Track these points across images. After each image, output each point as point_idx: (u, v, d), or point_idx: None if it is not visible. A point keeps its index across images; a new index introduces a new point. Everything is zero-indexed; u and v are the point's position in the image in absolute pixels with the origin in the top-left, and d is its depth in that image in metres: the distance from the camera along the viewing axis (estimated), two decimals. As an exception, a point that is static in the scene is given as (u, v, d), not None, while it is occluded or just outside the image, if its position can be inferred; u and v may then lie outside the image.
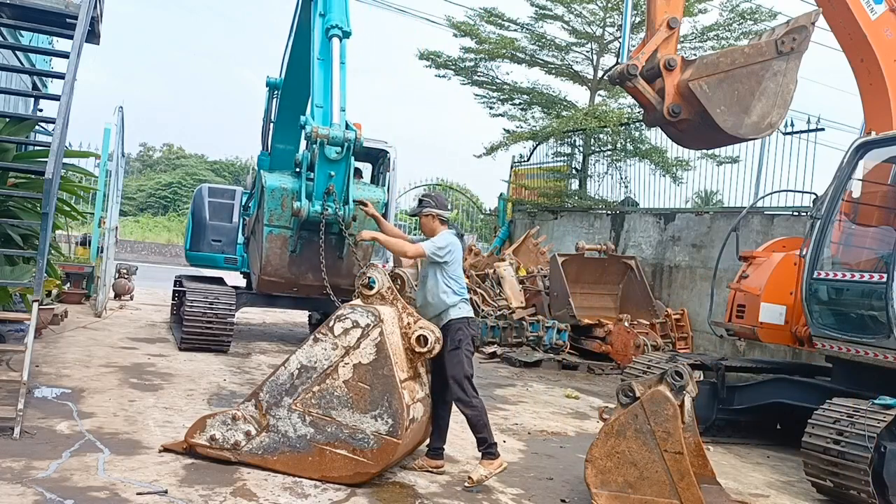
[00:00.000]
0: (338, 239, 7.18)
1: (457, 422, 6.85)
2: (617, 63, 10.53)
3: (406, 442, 4.84)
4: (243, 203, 10.69)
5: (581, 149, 17.21)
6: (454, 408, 5.32)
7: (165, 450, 4.94)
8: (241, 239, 10.48)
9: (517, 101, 19.12)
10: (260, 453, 4.78)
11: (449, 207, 5.44)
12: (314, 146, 6.54)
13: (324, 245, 6.64)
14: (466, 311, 5.30)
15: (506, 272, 13.18)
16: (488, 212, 21.34)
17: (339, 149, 6.52)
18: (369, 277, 4.97)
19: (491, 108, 19.43)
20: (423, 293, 5.32)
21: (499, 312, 12.13)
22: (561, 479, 5.48)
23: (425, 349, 4.92)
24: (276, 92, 9.29)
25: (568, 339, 11.26)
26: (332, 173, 6.61)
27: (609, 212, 15.01)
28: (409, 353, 4.94)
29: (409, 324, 4.99)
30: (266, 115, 9.50)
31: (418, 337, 4.92)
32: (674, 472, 4.52)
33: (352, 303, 4.96)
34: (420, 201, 5.48)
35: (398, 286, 5.22)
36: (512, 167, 18.83)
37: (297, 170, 7.03)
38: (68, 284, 12.27)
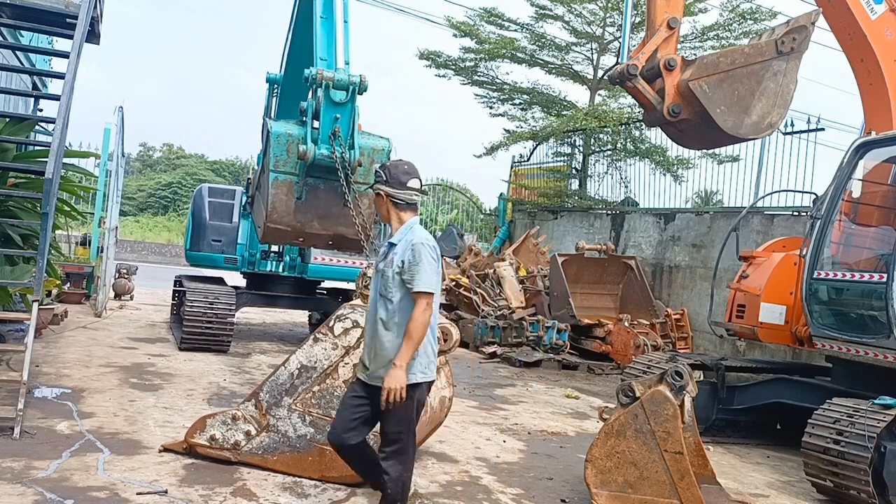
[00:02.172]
0: (343, 186, 7.08)
1: (456, 421, 6.87)
2: (617, 63, 10.53)
3: None
4: (243, 203, 10.68)
5: (581, 149, 17.22)
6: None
7: (166, 450, 4.94)
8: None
9: (517, 101, 19.14)
10: (260, 453, 4.78)
11: (417, 186, 3.82)
12: (319, 90, 6.52)
13: (324, 190, 6.59)
14: (434, 368, 3.86)
15: (506, 272, 13.18)
16: (488, 212, 21.35)
17: (344, 93, 6.52)
18: (369, 278, 4.97)
19: (491, 108, 19.45)
20: (382, 333, 3.72)
21: (499, 312, 12.13)
22: (561, 479, 5.48)
23: None
24: (275, 88, 9.27)
25: (568, 339, 11.25)
26: (338, 116, 6.59)
27: (609, 212, 15.00)
28: None
29: None
30: (266, 112, 9.47)
31: None
32: (674, 472, 4.52)
33: (352, 303, 4.97)
34: (375, 173, 3.98)
35: None
36: (512, 167, 18.83)
37: (303, 118, 6.99)
38: (68, 284, 12.28)
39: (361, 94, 6.65)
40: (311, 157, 6.55)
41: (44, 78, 11.60)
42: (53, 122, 5.71)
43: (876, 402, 5.61)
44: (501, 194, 18.82)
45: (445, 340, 5.09)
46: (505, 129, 19.30)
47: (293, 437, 4.74)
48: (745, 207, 9.98)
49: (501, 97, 19.16)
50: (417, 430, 5.11)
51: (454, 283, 13.81)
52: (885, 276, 6.11)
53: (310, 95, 6.79)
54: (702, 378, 7.67)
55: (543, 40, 18.21)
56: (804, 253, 7.00)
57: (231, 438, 4.79)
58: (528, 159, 18.48)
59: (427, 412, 5.20)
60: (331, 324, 4.79)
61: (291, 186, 7.00)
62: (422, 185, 3.88)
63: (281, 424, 4.75)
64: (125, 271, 14.01)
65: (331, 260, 10.30)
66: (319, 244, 7.18)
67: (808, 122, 10.95)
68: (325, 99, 6.48)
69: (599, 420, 4.88)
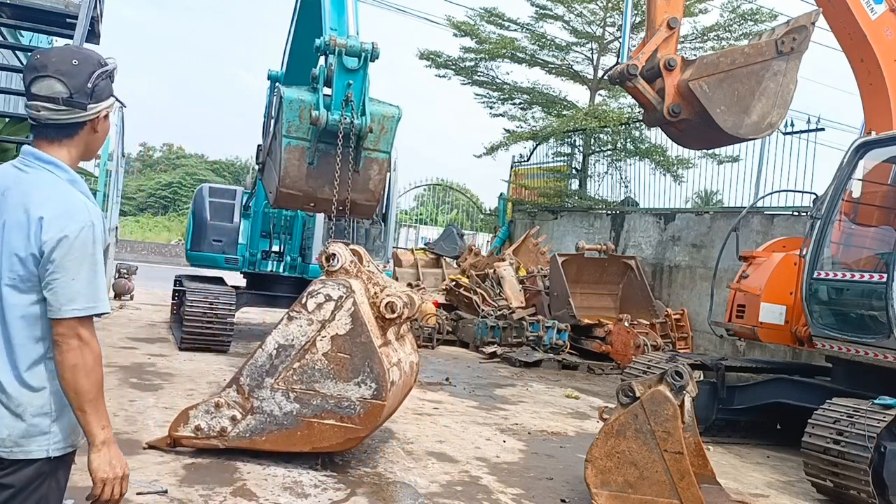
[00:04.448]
0: (353, 152, 7.08)
1: (456, 421, 6.87)
2: (617, 63, 10.53)
3: (390, 404, 4.97)
4: (244, 203, 10.68)
5: (581, 149, 17.24)
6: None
7: (151, 447, 4.93)
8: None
9: (517, 101, 19.16)
10: (248, 436, 4.80)
11: (44, 91, 2.18)
12: (331, 56, 6.53)
13: (338, 157, 6.61)
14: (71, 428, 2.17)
15: (506, 272, 13.19)
16: (488, 212, 21.35)
17: (356, 59, 6.54)
18: (332, 254, 5.05)
19: (491, 107, 19.48)
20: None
21: (499, 312, 12.13)
22: (561, 479, 5.48)
23: (395, 315, 5.04)
24: (277, 85, 9.24)
25: (568, 339, 11.26)
26: (351, 82, 6.61)
27: (609, 212, 15.01)
28: (379, 322, 5.05)
29: (375, 293, 5.12)
30: (268, 110, 9.44)
31: (387, 304, 5.03)
32: (674, 472, 4.52)
33: (320, 278, 5.05)
34: None
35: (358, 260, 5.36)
36: (512, 167, 18.85)
37: (314, 85, 7.00)
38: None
39: (373, 61, 6.67)
40: (325, 123, 6.55)
41: (44, 78, 11.60)
42: (53, 122, 5.70)
43: (876, 402, 5.61)
44: (501, 194, 18.82)
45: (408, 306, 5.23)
46: (505, 129, 19.36)
47: (279, 415, 4.77)
48: (745, 207, 9.98)
49: (501, 97, 19.18)
50: (396, 394, 5.21)
51: (454, 283, 13.81)
52: (885, 276, 6.11)
53: (322, 62, 6.81)
54: (702, 378, 7.67)
55: (543, 40, 18.24)
56: (804, 253, 7.01)
57: (217, 426, 4.81)
58: (528, 159, 18.50)
59: (402, 377, 5.28)
60: (303, 300, 4.84)
61: (303, 152, 7.00)
62: (71, 94, 2.19)
63: (265, 405, 4.78)
64: (125, 271, 14.01)
65: None
66: (330, 210, 7.23)
67: (808, 122, 10.96)
68: (338, 65, 6.50)
69: (599, 420, 4.88)
